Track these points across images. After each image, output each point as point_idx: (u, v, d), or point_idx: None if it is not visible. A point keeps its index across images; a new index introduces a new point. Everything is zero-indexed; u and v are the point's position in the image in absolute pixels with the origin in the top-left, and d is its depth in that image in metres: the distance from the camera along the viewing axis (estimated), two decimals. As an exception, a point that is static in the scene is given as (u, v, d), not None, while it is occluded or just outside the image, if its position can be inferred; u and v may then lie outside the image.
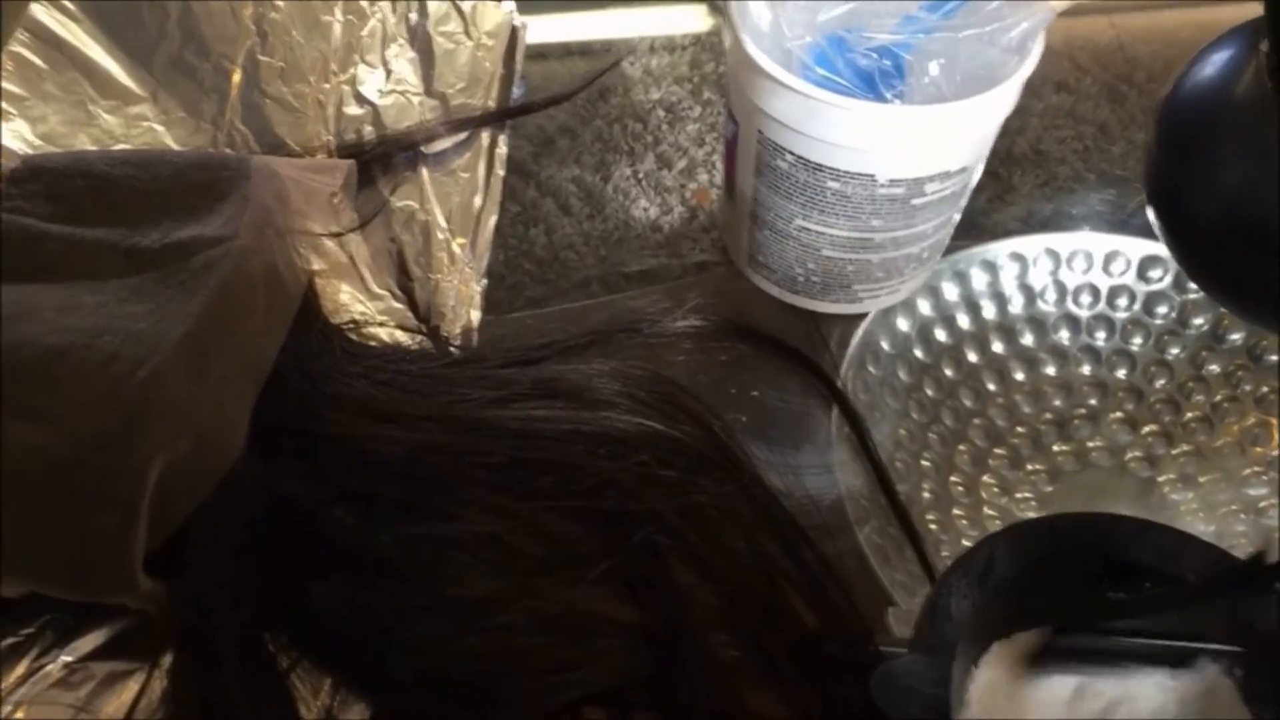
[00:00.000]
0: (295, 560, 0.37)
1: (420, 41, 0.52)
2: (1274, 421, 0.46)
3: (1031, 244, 0.49)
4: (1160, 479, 0.46)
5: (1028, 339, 0.48)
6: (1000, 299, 0.49)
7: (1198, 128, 0.40)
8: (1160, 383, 0.48)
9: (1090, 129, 0.58)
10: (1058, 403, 0.48)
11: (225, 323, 0.37)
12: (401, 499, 0.37)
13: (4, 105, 0.47)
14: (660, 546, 0.36)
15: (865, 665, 0.32)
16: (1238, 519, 0.44)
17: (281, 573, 0.37)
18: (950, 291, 0.48)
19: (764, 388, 0.47)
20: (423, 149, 0.50)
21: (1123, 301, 0.49)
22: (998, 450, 0.46)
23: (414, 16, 0.52)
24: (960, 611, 0.31)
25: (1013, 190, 0.55)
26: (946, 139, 0.39)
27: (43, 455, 0.33)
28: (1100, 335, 0.49)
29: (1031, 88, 0.41)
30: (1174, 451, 0.46)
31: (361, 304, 0.46)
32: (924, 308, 0.48)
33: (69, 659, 0.36)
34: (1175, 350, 0.48)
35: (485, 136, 0.51)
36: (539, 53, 0.58)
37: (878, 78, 0.40)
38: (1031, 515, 0.44)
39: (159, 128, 0.49)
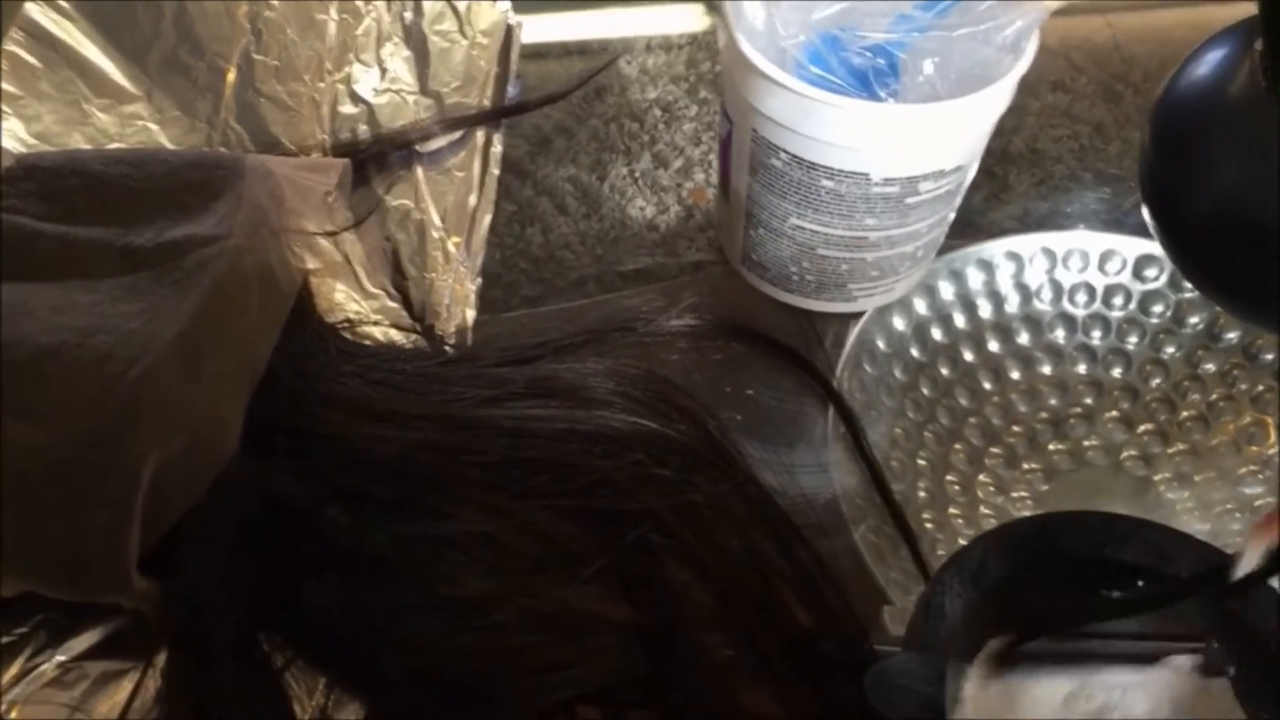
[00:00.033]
0: (289, 559, 0.37)
1: (415, 40, 0.52)
2: (1270, 420, 0.45)
3: (1027, 243, 0.49)
4: (1156, 478, 0.46)
5: (1023, 338, 0.48)
6: (996, 298, 0.49)
7: (1192, 127, 0.40)
8: (1156, 381, 0.48)
9: (1086, 128, 0.58)
10: (1053, 401, 0.48)
11: (219, 321, 0.37)
12: (395, 498, 0.37)
13: (-1, 104, 0.47)
14: (655, 545, 0.36)
15: (860, 664, 0.32)
16: (1233, 518, 0.44)
17: (275, 572, 0.37)
18: (946, 290, 0.48)
19: (759, 386, 0.47)
20: (417, 148, 0.50)
21: (1118, 300, 0.49)
22: (993, 449, 0.46)
23: (409, 15, 0.52)
24: (954, 610, 0.31)
25: (1009, 189, 0.55)
26: (941, 138, 0.39)
27: (36, 454, 0.33)
28: (1096, 334, 0.49)
29: (1027, 87, 0.41)
30: (1169, 450, 0.46)
31: (356, 303, 0.46)
32: (920, 306, 0.48)
33: (63, 658, 0.36)
34: (1171, 349, 0.48)
35: (480, 135, 0.51)
36: (535, 52, 0.58)
37: (872, 76, 0.40)
38: (1027, 514, 0.44)
39: (153, 126, 0.49)
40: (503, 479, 0.37)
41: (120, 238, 0.38)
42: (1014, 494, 0.45)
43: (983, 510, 0.44)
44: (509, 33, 0.53)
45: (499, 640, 0.35)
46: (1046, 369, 0.48)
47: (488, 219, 0.49)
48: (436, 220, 0.49)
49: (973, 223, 0.52)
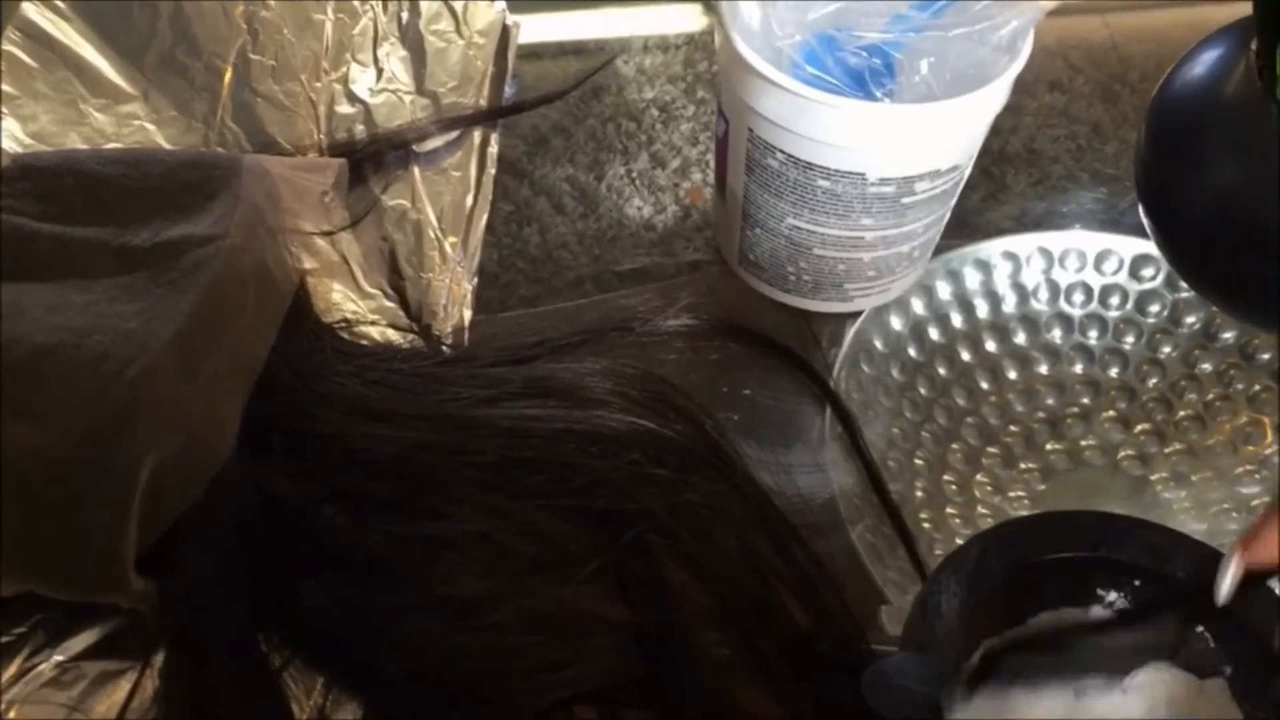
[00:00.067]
0: (286, 559, 0.37)
1: (412, 40, 0.52)
2: (1266, 420, 0.46)
3: (1024, 243, 0.49)
4: (1153, 477, 0.46)
5: (1020, 337, 0.48)
6: (993, 298, 0.49)
7: (1187, 127, 0.40)
8: (1153, 381, 0.48)
9: (1083, 128, 0.58)
10: (1050, 401, 0.48)
11: (216, 321, 0.37)
12: (392, 498, 0.37)
13: (-5, 104, 0.47)
14: (652, 545, 0.36)
15: (857, 663, 0.32)
16: (1230, 517, 0.44)
17: (273, 571, 0.37)
18: (943, 290, 0.48)
19: (756, 386, 0.47)
20: (414, 148, 0.50)
21: (1115, 300, 0.49)
22: (991, 449, 0.46)
23: (406, 15, 0.52)
24: (951, 609, 0.31)
25: (1006, 189, 0.55)
26: (936, 138, 0.39)
27: (34, 454, 0.33)
28: (1093, 334, 0.49)
29: (1024, 87, 0.41)
30: (1166, 450, 0.46)
31: (353, 303, 0.46)
32: (917, 306, 0.48)
33: (61, 658, 0.36)
34: (1167, 349, 0.48)
35: (477, 135, 0.51)
36: (532, 52, 0.58)
37: (868, 76, 0.40)
38: (1024, 513, 0.44)
39: (150, 126, 0.49)
40: (500, 479, 0.37)
41: (117, 237, 0.38)
42: (1011, 493, 0.45)
43: (980, 510, 0.44)
44: (506, 32, 0.53)
45: (496, 640, 0.35)
46: (1043, 369, 0.48)
47: (484, 219, 0.49)
48: (433, 220, 0.49)
49: (970, 223, 0.52)
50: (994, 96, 0.39)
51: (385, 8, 0.52)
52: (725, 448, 0.40)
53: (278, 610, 0.37)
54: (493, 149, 0.51)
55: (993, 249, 0.49)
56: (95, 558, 0.34)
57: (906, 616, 0.32)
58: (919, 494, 0.44)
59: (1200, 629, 0.32)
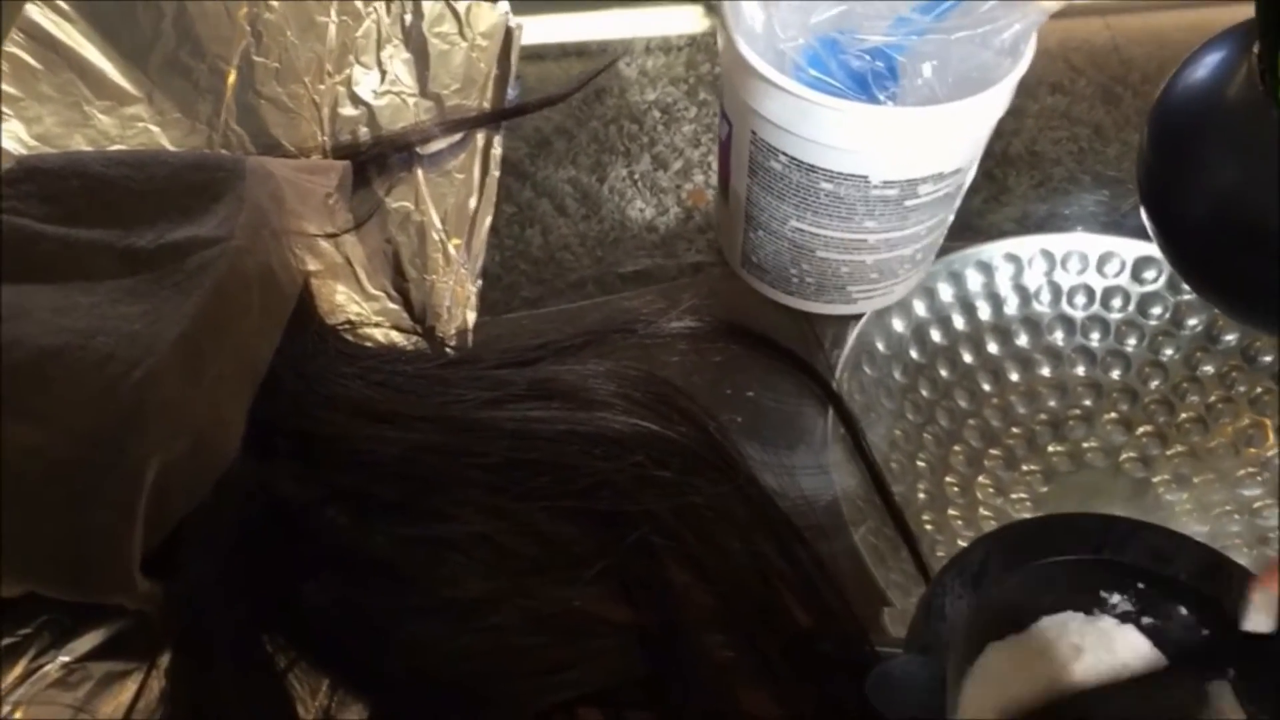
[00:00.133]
0: (291, 560, 0.37)
1: (415, 42, 0.52)
2: (1268, 422, 0.46)
3: (1026, 245, 0.49)
4: (1155, 480, 0.46)
5: (1022, 340, 0.49)
6: (995, 300, 0.49)
7: (1190, 129, 0.40)
8: (1155, 383, 0.48)
9: (1085, 130, 0.58)
10: (1052, 403, 0.48)
11: (220, 323, 0.37)
12: (396, 499, 0.37)
13: (-1, 106, 0.47)
14: (655, 547, 0.36)
15: (860, 665, 0.32)
16: (1232, 520, 0.44)
17: (277, 573, 0.37)
18: (945, 292, 0.48)
19: (759, 388, 0.47)
20: (418, 150, 0.50)
21: (1117, 302, 0.49)
22: (993, 451, 0.46)
23: (409, 18, 0.53)
24: (954, 611, 0.31)
25: (1008, 191, 0.55)
26: (939, 141, 0.39)
27: (39, 455, 0.33)
28: (1095, 336, 0.49)
29: (1026, 89, 0.42)
30: (1168, 452, 0.46)
31: (357, 305, 0.46)
32: (919, 308, 0.48)
33: (67, 659, 0.36)
34: (1170, 351, 0.48)
35: (480, 137, 0.51)
36: (534, 53, 0.58)
37: (870, 79, 0.40)
38: (1026, 516, 0.44)
39: (154, 128, 0.49)
40: (504, 480, 0.37)
41: (121, 239, 0.38)
42: (1013, 495, 0.45)
43: (982, 511, 0.45)
44: (509, 35, 0.53)
45: (500, 641, 0.35)
46: (1045, 371, 0.48)
47: (488, 221, 0.50)
48: (437, 222, 0.49)
49: (972, 225, 0.52)
50: (997, 99, 0.39)
51: (388, 10, 0.52)
52: (728, 449, 0.40)
53: (282, 611, 0.37)
54: (496, 151, 0.51)
55: (995, 251, 0.49)
56: (101, 559, 0.34)
57: (910, 619, 0.32)
58: (921, 496, 0.44)
59: (1205, 632, 0.32)
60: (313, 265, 0.44)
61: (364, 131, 0.50)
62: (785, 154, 0.40)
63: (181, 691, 0.35)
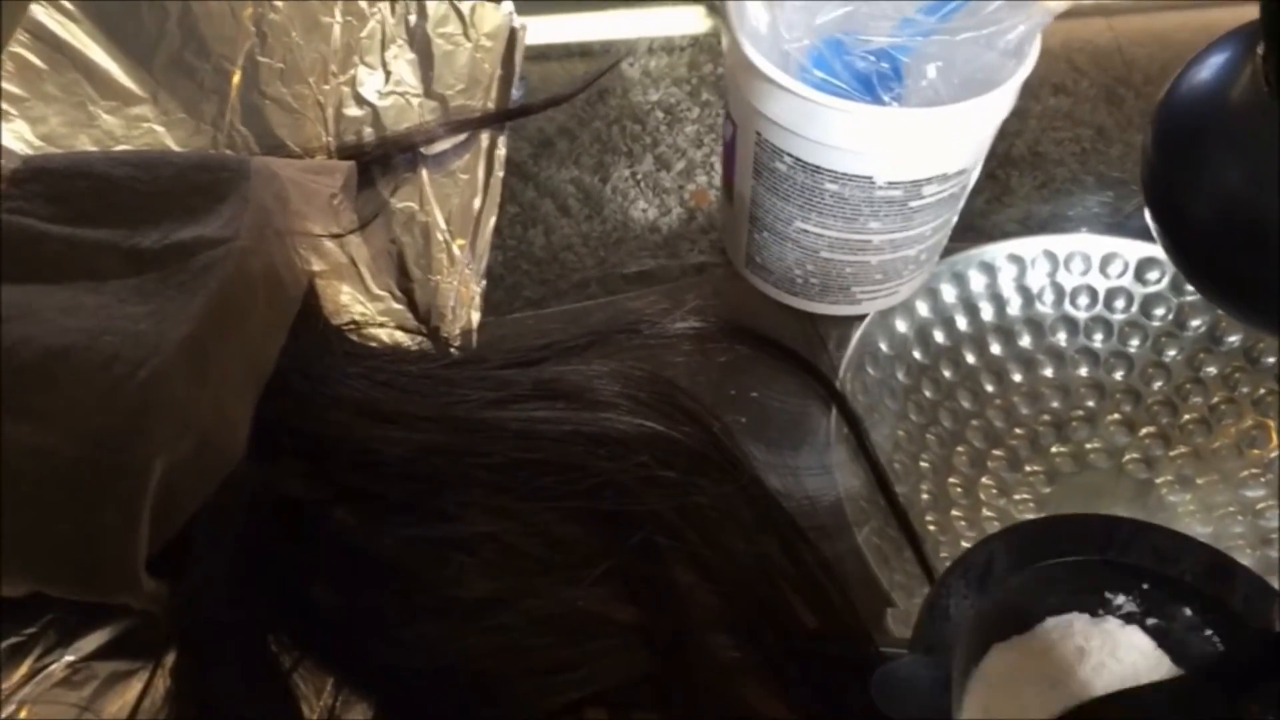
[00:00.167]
0: (296, 560, 0.37)
1: (419, 43, 0.52)
2: (1271, 423, 0.46)
3: (1029, 246, 0.49)
4: (1158, 480, 0.46)
5: (1025, 341, 0.49)
6: (998, 301, 0.49)
7: (1194, 131, 0.40)
8: (1158, 384, 0.48)
9: (1088, 131, 0.58)
10: (1055, 404, 0.48)
11: (226, 323, 0.37)
12: (402, 499, 0.37)
13: (4, 106, 0.47)
14: (660, 547, 0.36)
15: (865, 666, 0.32)
16: (1235, 520, 0.44)
17: (282, 572, 0.37)
18: (948, 293, 0.48)
19: (763, 389, 0.47)
20: (422, 150, 0.50)
21: (1120, 303, 0.49)
22: (996, 452, 0.46)
23: (413, 18, 0.53)
24: (959, 612, 0.32)
25: (1011, 192, 0.55)
26: (944, 142, 0.39)
27: (45, 455, 0.33)
28: (1098, 337, 0.49)
29: (1029, 90, 0.42)
30: (1171, 453, 0.46)
31: (362, 305, 0.46)
32: (922, 309, 0.48)
33: (72, 658, 0.36)
34: (1173, 352, 0.48)
35: (484, 138, 0.51)
36: (538, 54, 0.58)
37: (875, 80, 0.40)
38: (1029, 517, 0.44)
39: (159, 129, 0.49)
40: (509, 481, 0.37)
41: (127, 239, 0.39)
42: (1016, 496, 0.45)
43: (985, 512, 0.45)
44: (513, 35, 0.53)
45: (505, 641, 0.35)
46: (1048, 372, 0.48)
47: (492, 221, 0.50)
48: (441, 222, 0.49)
49: (975, 226, 0.52)
50: (1002, 100, 0.39)
51: (393, 10, 0.52)
52: (733, 450, 0.40)
53: (287, 611, 0.37)
54: (500, 151, 0.51)
55: (998, 252, 0.49)
56: (106, 559, 0.34)
57: (915, 619, 0.32)
58: (924, 496, 0.44)
59: (1209, 632, 0.32)
60: (318, 265, 0.44)
61: (369, 132, 0.51)
62: (790, 155, 0.40)
63: (186, 691, 0.35)
